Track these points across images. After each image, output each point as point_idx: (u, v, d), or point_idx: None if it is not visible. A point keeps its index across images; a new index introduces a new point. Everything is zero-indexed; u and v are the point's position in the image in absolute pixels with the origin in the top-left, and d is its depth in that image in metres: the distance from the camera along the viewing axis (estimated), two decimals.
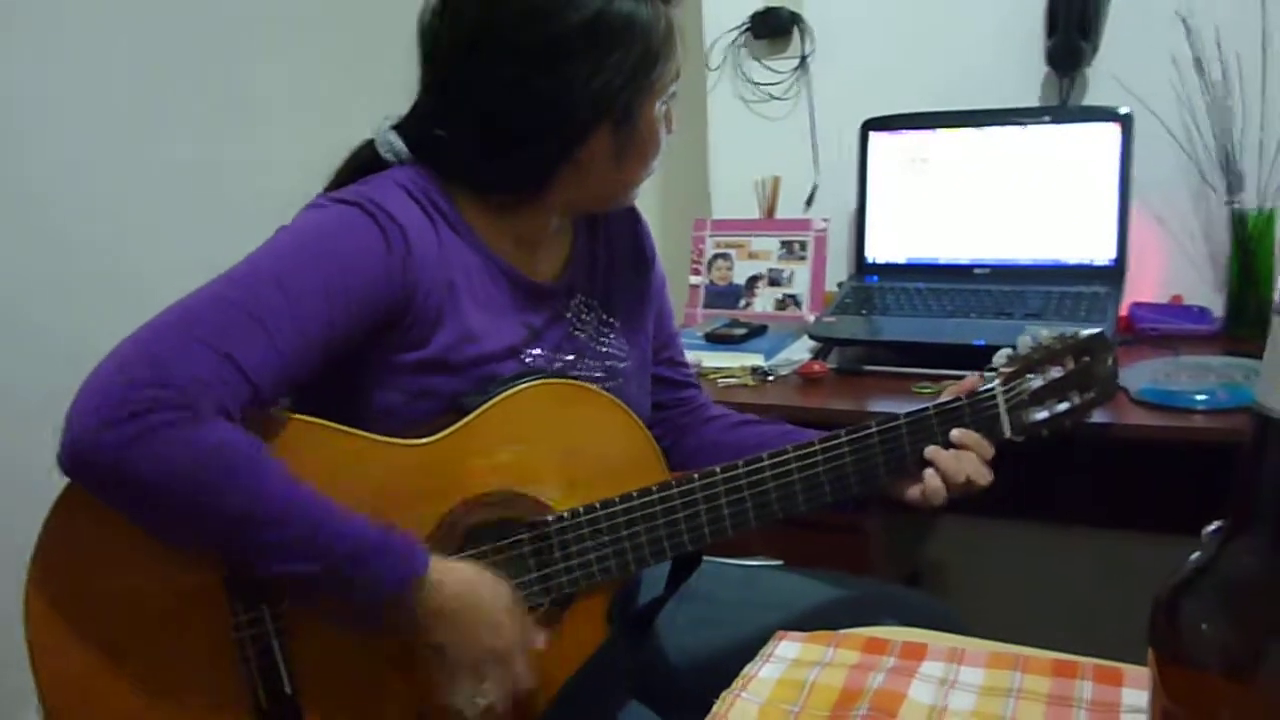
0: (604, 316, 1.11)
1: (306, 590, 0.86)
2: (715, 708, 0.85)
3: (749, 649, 0.94)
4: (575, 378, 1.03)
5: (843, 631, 0.95)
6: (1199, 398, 1.35)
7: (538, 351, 1.02)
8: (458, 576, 0.88)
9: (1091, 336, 1.12)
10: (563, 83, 0.94)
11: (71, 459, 0.78)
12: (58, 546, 0.84)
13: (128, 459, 0.78)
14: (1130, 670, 0.84)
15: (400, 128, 1.02)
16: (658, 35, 0.96)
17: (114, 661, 0.84)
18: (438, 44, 0.98)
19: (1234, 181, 1.68)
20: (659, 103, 1.00)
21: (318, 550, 0.82)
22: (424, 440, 0.92)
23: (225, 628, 0.87)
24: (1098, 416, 1.27)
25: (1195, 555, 0.50)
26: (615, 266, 1.14)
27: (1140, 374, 1.44)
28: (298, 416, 0.90)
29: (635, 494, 0.97)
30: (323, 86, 2.49)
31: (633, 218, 1.18)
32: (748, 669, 0.90)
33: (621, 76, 0.95)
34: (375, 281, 0.91)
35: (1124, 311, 1.72)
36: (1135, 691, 0.81)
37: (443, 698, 0.90)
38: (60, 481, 0.82)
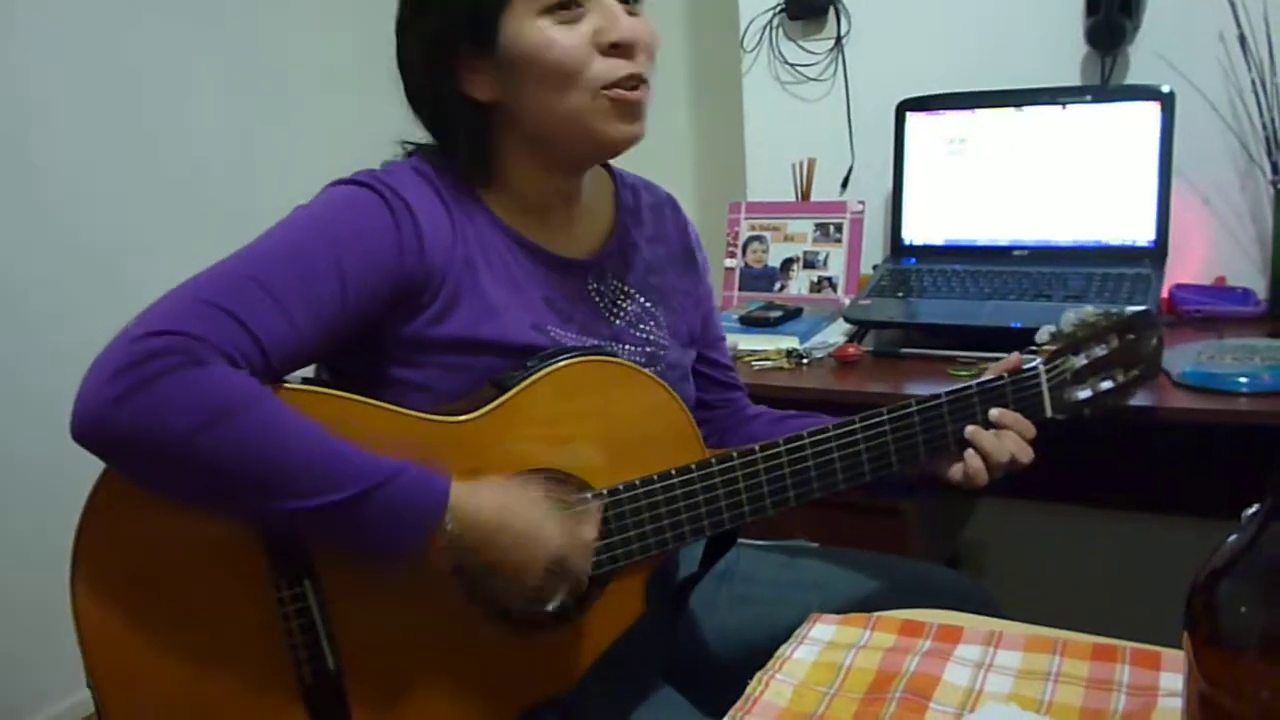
0: (645, 304, 1.11)
1: (336, 525, 0.83)
2: (749, 688, 0.85)
3: (786, 630, 0.95)
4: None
5: (878, 614, 0.96)
6: (1242, 380, 1.33)
7: (565, 332, 1.03)
8: (488, 488, 0.88)
9: (1137, 314, 1.11)
10: (413, 20, 1.00)
11: (80, 421, 0.78)
12: (98, 530, 0.84)
13: (131, 409, 0.77)
14: (1168, 654, 0.83)
15: None
16: None
17: (160, 641, 0.86)
18: None
19: None
20: (538, 16, 0.95)
21: (342, 477, 0.82)
22: (464, 417, 0.93)
23: (269, 605, 0.88)
24: (1139, 399, 1.26)
25: (1232, 538, 0.50)
26: (660, 261, 1.14)
27: (1183, 356, 1.42)
28: (334, 392, 0.91)
29: (675, 472, 0.98)
30: (350, 81, 2.51)
31: (681, 221, 1.20)
32: (782, 650, 0.91)
33: None
34: (384, 259, 0.92)
35: (1166, 293, 1.70)
36: (1173, 675, 0.80)
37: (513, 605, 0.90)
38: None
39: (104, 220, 2.11)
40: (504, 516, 0.88)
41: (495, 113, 1.00)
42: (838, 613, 0.97)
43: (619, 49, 0.96)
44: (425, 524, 0.84)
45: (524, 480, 0.92)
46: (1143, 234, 1.67)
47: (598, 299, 1.08)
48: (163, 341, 0.79)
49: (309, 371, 0.98)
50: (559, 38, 0.95)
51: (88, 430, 0.79)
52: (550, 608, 0.92)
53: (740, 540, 1.14)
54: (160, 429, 0.78)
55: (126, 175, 2.14)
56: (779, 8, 2.08)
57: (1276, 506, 0.48)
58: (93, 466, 0.83)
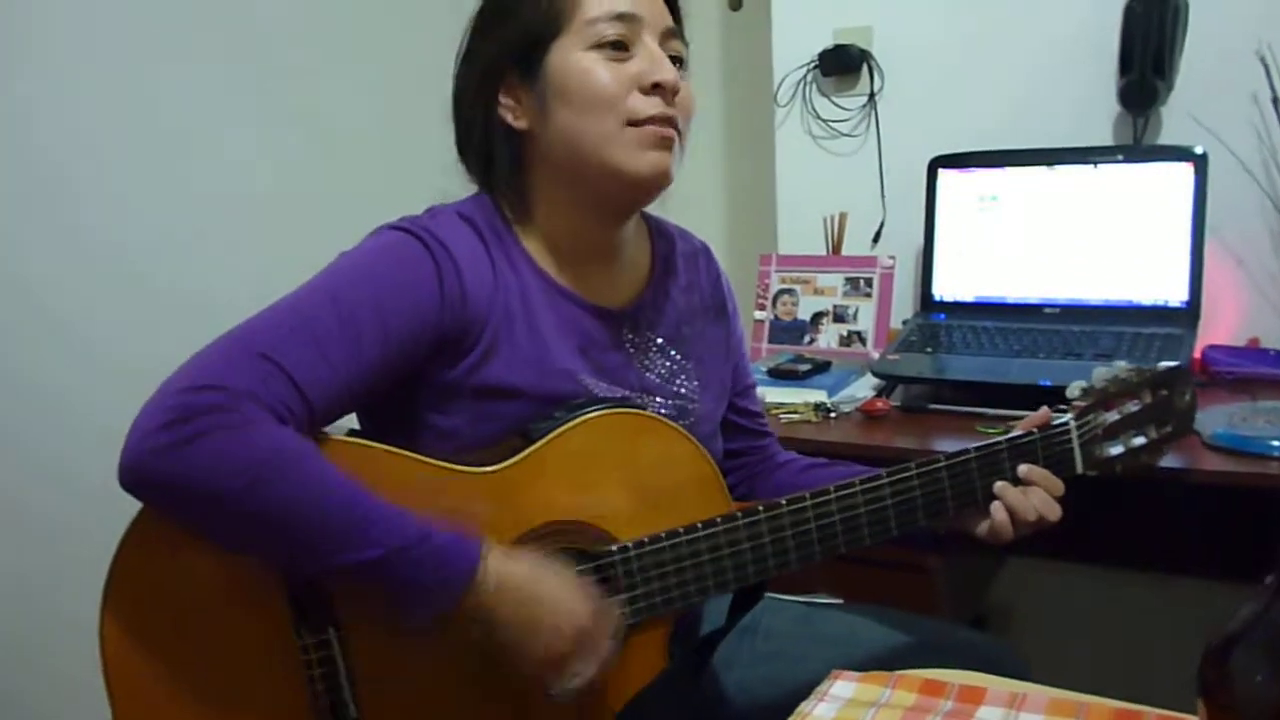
0: (677, 357, 1.12)
1: (370, 582, 0.85)
2: None
3: (808, 686, 0.94)
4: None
5: (900, 672, 0.95)
6: (1275, 444, 1.31)
7: (598, 382, 1.04)
8: (519, 560, 0.89)
9: (1170, 369, 1.10)
10: (474, 48, 1.04)
11: (128, 469, 0.81)
12: (132, 568, 0.86)
13: (180, 461, 0.79)
14: None
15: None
16: None
17: (184, 685, 0.87)
18: None
19: None
20: (586, 49, 0.98)
21: (377, 536, 0.83)
22: (490, 468, 0.94)
23: (293, 653, 0.89)
24: (1170, 461, 1.24)
25: (1247, 605, 0.50)
26: (692, 312, 1.15)
27: (1215, 418, 1.40)
28: (362, 442, 0.92)
29: (700, 525, 0.98)
30: (397, 110, 2.55)
31: (714, 270, 1.21)
32: (803, 707, 0.90)
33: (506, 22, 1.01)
34: (428, 309, 0.94)
35: (1198, 354, 1.68)
36: None
37: (538, 687, 0.90)
38: (111, 496, 0.83)
39: (137, 238, 2.11)
40: (537, 584, 0.89)
41: (527, 142, 1.02)
42: (859, 670, 0.96)
43: (659, 90, 0.99)
44: (460, 580, 0.85)
45: (552, 557, 0.92)
46: (1175, 294, 1.67)
47: (631, 350, 1.08)
48: (211, 397, 0.81)
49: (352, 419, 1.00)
50: (602, 70, 0.98)
51: (134, 479, 0.81)
52: (574, 685, 0.90)
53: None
54: (206, 485, 0.81)
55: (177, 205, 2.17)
56: (813, 64, 2.11)
57: None
58: (121, 504, 0.85)
